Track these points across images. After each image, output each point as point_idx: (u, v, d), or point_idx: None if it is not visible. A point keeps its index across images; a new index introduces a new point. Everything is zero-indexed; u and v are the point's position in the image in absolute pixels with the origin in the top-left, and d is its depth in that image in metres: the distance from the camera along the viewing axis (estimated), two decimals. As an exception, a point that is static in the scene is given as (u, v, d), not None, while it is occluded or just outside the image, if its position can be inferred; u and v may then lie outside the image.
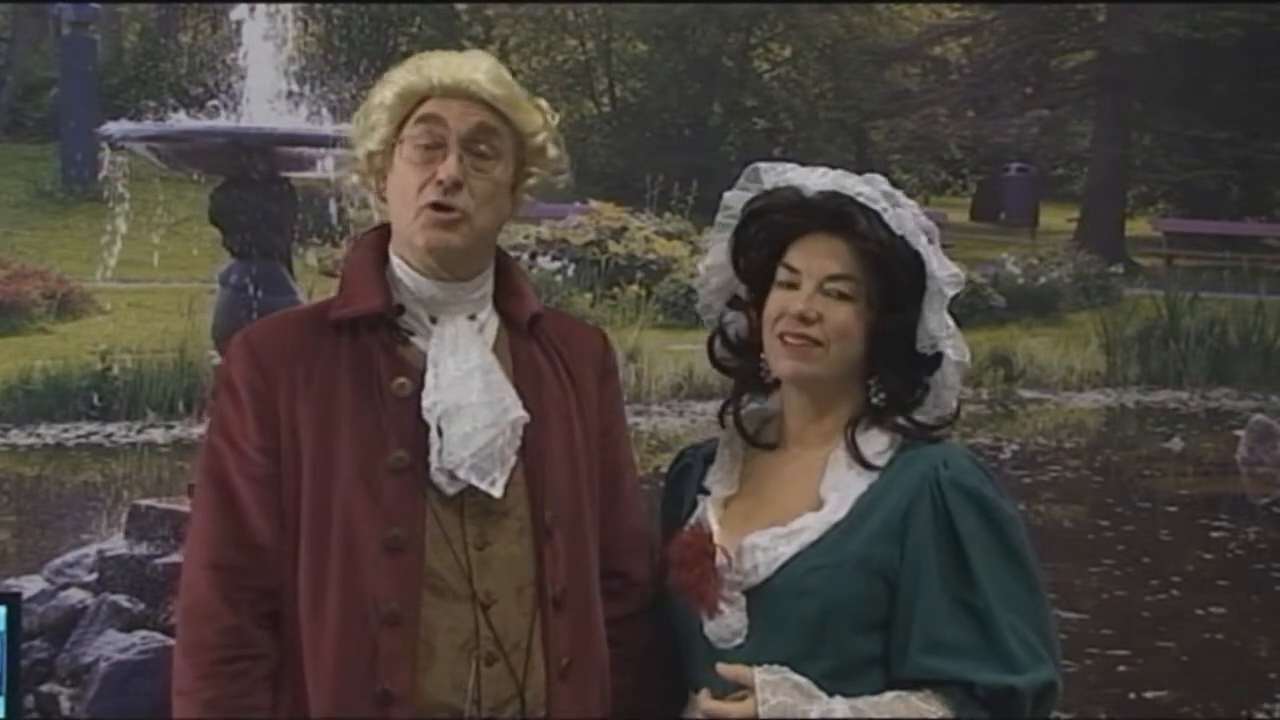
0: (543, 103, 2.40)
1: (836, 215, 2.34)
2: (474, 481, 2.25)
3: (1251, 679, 6.88)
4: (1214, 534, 9.73)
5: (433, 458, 2.25)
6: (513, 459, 2.29)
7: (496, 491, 2.26)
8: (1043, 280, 19.51)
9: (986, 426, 13.59)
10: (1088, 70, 29.57)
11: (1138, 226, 27.88)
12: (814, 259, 2.34)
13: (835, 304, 2.33)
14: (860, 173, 2.43)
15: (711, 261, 2.47)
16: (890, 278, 2.33)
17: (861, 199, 2.34)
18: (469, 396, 2.27)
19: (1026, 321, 18.03)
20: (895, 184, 2.42)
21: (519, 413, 2.29)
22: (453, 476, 2.26)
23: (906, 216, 2.35)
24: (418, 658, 2.22)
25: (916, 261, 2.34)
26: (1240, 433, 12.32)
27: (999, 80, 30.05)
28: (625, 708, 2.38)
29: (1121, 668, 6.92)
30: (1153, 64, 26.05)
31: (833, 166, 2.44)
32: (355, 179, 2.39)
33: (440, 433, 2.25)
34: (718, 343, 2.50)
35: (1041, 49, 29.60)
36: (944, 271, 2.36)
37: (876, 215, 2.33)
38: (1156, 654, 7.23)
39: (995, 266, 19.72)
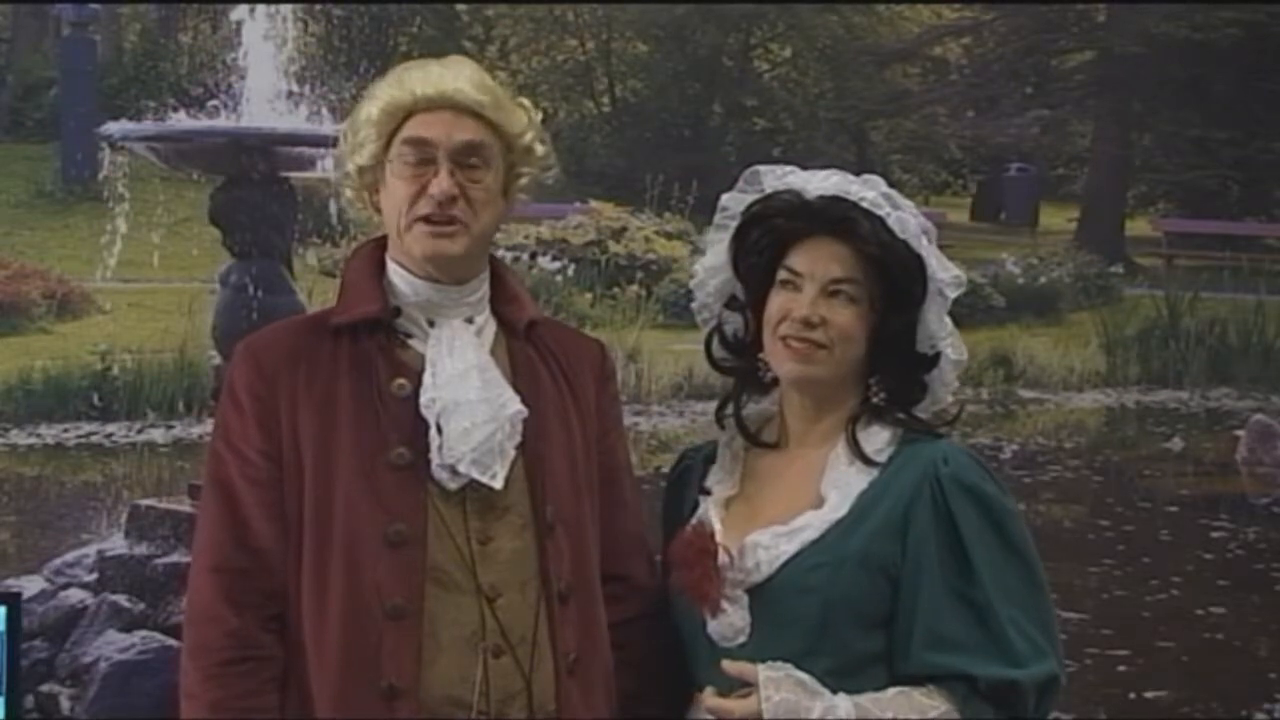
0: (525, 101, 2.43)
1: (839, 219, 2.35)
2: (475, 475, 2.27)
3: (1251, 679, 6.88)
4: (1214, 534, 9.72)
5: (433, 454, 2.28)
6: (512, 453, 2.31)
7: (497, 484, 2.28)
8: (1043, 280, 19.51)
9: (986, 426, 13.58)
10: (1088, 70, 29.57)
11: (1138, 226, 27.87)
12: (817, 262, 2.35)
13: (839, 307, 2.34)
14: (859, 173, 2.44)
15: (710, 263, 2.49)
16: (892, 280, 2.34)
17: (865, 204, 2.35)
18: (467, 393, 2.29)
19: (1026, 321, 18.02)
20: (895, 184, 2.43)
21: (517, 407, 2.32)
22: (454, 471, 2.28)
23: (908, 219, 2.36)
24: (424, 651, 2.24)
25: (918, 264, 2.36)
26: (1240, 433, 12.31)
27: (999, 80, 30.04)
28: (627, 710, 2.39)
29: (1121, 668, 6.92)
30: (1153, 64, 26.04)
31: (834, 167, 2.46)
32: (350, 193, 2.41)
33: (440, 429, 2.28)
34: (715, 343, 2.51)
35: (1041, 49, 29.57)
36: (945, 273, 2.38)
37: (880, 219, 2.34)
38: (1156, 654, 7.23)
39: (995, 266, 19.71)
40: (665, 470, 2.64)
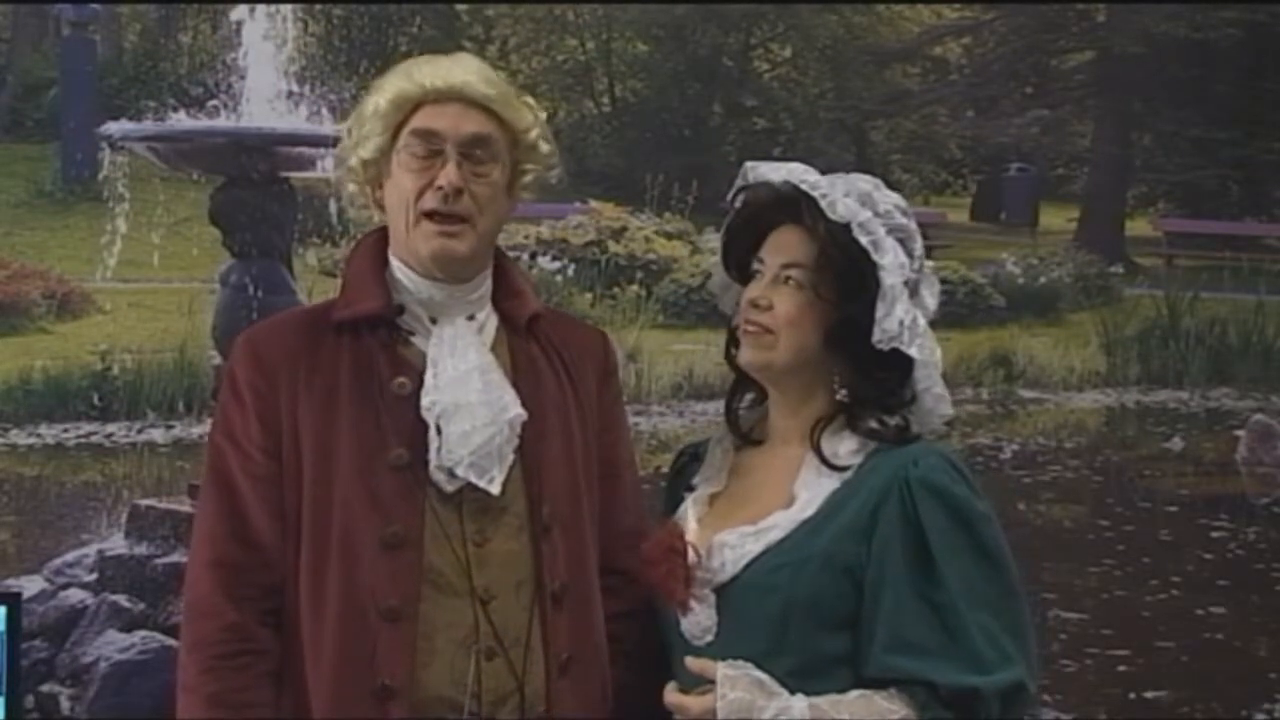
0: (530, 99, 2.42)
1: (790, 206, 2.35)
2: (473, 479, 2.27)
3: (1251, 679, 6.88)
4: (1214, 534, 9.72)
5: (431, 456, 2.27)
6: (511, 457, 2.30)
7: (495, 489, 2.28)
8: (1043, 280, 19.51)
9: (986, 426, 13.58)
10: (1088, 70, 29.60)
11: (1138, 226, 27.90)
12: (773, 250, 2.36)
13: (788, 292, 2.33)
14: (859, 173, 2.43)
15: (714, 259, 2.51)
16: (836, 267, 2.32)
17: (804, 186, 2.34)
18: (467, 396, 2.29)
19: (1026, 321, 18.02)
20: (895, 184, 2.41)
21: (517, 410, 2.31)
22: (451, 474, 2.27)
23: (854, 206, 2.32)
24: (418, 653, 2.24)
25: (860, 250, 2.31)
26: (1240, 433, 12.31)
27: (999, 80, 30.07)
28: (624, 703, 2.39)
29: (1121, 668, 6.92)
30: (1153, 64, 26.07)
31: (834, 167, 2.45)
32: (352, 188, 2.40)
33: (439, 431, 2.27)
34: (728, 340, 2.51)
35: (1041, 49, 29.61)
36: (894, 262, 2.32)
37: (815, 202, 2.32)
38: (1156, 654, 7.23)
39: (995, 266, 19.71)
40: (665, 470, 2.64)
